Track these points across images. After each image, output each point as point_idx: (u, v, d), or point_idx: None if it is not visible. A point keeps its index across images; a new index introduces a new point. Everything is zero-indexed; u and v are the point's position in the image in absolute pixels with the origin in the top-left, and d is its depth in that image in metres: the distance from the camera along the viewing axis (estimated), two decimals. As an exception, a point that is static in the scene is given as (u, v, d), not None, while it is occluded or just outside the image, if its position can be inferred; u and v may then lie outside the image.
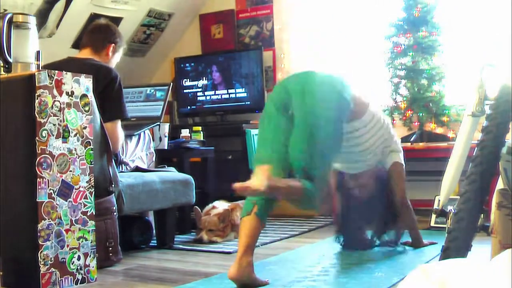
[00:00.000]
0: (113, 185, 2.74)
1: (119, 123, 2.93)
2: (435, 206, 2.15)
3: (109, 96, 2.83)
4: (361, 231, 3.02)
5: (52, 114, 2.29)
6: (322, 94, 2.48)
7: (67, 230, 2.31)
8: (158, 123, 3.64)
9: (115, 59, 3.14)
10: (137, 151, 3.30)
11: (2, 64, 2.38)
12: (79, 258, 2.35)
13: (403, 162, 2.96)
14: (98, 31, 3.13)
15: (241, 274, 2.20)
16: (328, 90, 2.53)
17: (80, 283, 2.34)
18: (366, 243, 2.99)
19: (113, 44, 3.08)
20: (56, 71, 2.32)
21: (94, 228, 2.43)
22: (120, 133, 2.95)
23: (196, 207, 3.39)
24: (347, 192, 2.98)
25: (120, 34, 3.17)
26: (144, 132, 3.39)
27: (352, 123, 2.71)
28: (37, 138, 2.24)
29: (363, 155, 2.84)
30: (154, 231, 3.27)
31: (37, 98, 2.25)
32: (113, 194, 2.74)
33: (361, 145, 2.80)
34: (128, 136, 3.25)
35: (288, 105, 2.47)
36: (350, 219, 2.95)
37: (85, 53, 3.04)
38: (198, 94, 5.01)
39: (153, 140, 3.51)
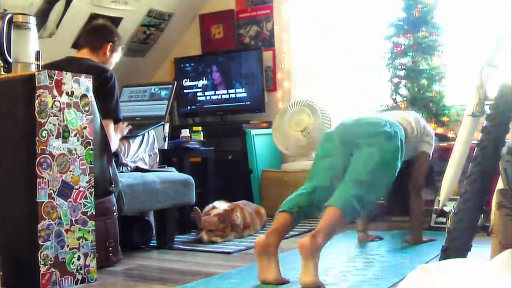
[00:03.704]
0: (113, 185, 2.74)
1: (111, 125, 2.84)
2: (435, 206, 2.15)
3: (100, 96, 2.73)
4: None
5: (52, 114, 2.29)
6: None
7: (67, 230, 2.31)
8: (163, 122, 3.63)
9: (114, 58, 3.11)
10: (139, 152, 3.29)
11: (2, 64, 2.38)
12: (79, 258, 2.35)
13: (430, 153, 3.11)
14: (95, 31, 3.13)
15: None
16: None
17: (80, 283, 2.34)
18: None
19: (110, 43, 3.05)
20: (56, 71, 2.32)
21: (94, 228, 2.43)
22: (113, 137, 2.85)
23: (196, 207, 3.39)
24: None
25: (118, 33, 3.15)
26: (148, 132, 3.38)
27: None
28: (37, 138, 2.24)
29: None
30: (154, 231, 3.27)
31: (37, 98, 2.25)
32: (113, 194, 2.74)
33: None
34: (132, 137, 3.24)
35: None
36: None
37: (83, 53, 3.03)
38: (198, 94, 5.01)
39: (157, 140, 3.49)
